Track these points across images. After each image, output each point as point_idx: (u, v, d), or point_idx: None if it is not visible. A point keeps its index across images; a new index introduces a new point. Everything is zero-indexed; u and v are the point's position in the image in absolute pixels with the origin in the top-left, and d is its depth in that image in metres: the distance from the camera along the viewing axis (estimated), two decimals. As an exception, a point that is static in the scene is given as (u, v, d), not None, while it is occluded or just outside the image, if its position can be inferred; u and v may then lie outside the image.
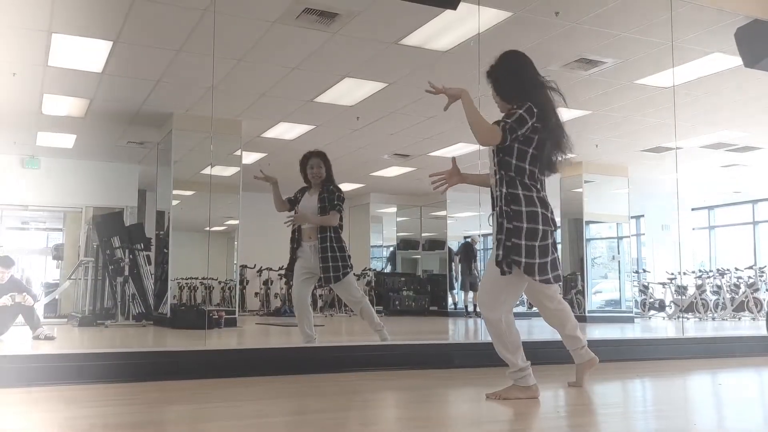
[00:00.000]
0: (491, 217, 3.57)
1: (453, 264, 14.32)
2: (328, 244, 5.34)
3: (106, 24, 6.56)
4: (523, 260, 3.31)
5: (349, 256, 5.46)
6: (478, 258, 13.72)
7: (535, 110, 3.35)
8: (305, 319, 5.44)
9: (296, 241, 5.50)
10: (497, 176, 3.42)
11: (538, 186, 3.44)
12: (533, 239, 3.34)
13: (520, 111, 3.34)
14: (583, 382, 3.85)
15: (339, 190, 5.49)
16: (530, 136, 3.36)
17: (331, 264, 5.33)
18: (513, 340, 3.42)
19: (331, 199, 5.41)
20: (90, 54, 7.27)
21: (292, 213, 5.53)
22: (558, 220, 14.75)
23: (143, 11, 6.25)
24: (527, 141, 3.38)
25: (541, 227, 3.36)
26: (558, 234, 15.43)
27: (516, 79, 3.49)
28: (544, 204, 3.42)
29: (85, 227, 11.79)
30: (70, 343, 6.46)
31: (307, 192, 5.56)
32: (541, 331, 7.76)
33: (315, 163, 5.51)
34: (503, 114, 3.44)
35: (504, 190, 3.37)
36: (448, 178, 3.64)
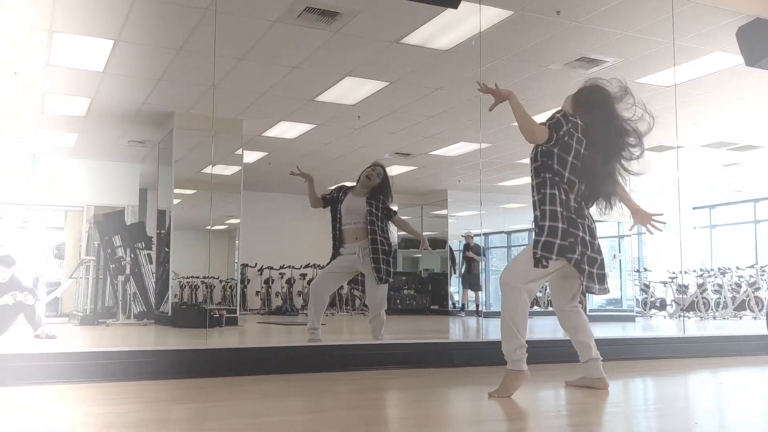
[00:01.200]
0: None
1: (456, 262, 14.35)
2: (379, 246, 5.51)
3: (107, 23, 6.56)
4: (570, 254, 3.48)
5: None
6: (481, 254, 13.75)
7: (570, 118, 3.53)
8: (320, 311, 5.57)
9: (339, 239, 5.60)
10: (534, 181, 3.58)
11: (578, 198, 3.58)
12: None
13: (558, 115, 3.54)
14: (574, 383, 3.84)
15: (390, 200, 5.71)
16: (569, 142, 3.51)
17: (383, 266, 5.49)
18: (523, 318, 3.51)
19: (386, 206, 5.67)
20: (91, 53, 7.27)
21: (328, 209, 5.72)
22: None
23: (144, 10, 6.24)
24: (566, 147, 3.51)
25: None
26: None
27: (591, 110, 3.66)
28: (581, 214, 3.59)
29: (87, 226, 11.81)
30: (71, 342, 6.46)
31: (351, 192, 5.65)
32: (541, 330, 7.76)
33: (378, 173, 5.75)
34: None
35: (545, 191, 3.54)
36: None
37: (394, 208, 5.80)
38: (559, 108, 3.61)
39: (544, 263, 3.47)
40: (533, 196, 3.60)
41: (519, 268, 3.59)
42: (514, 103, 3.50)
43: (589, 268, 3.52)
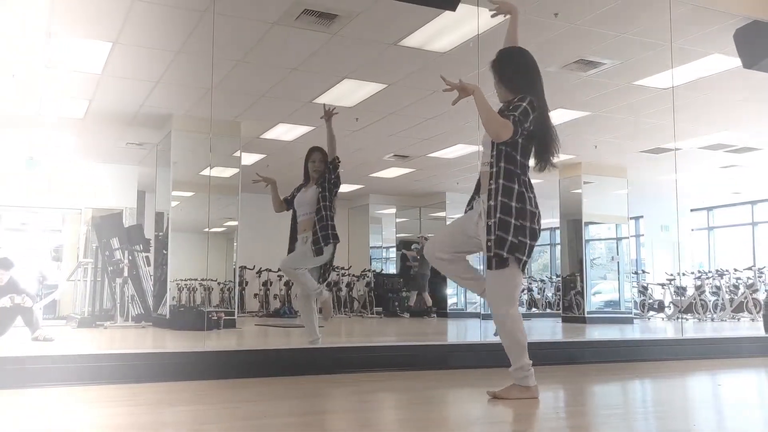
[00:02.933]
0: (476, 202, 3.60)
1: None
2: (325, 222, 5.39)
3: (105, 26, 6.56)
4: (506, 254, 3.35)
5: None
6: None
7: (535, 104, 3.43)
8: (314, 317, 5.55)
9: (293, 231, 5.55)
10: (494, 169, 3.45)
11: (530, 185, 3.49)
12: (519, 235, 3.37)
13: (524, 104, 3.40)
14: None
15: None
16: (531, 129, 3.43)
17: (320, 233, 5.35)
18: (523, 336, 3.45)
19: (330, 186, 5.44)
20: (89, 55, 7.27)
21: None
22: (557, 221, 14.86)
23: (142, 13, 6.25)
24: (528, 136, 3.44)
25: (528, 225, 3.40)
26: (557, 235, 15.46)
27: (525, 74, 3.55)
28: (534, 203, 3.46)
29: (85, 228, 11.79)
30: (69, 345, 6.45)
31: (303, 187, 5.58)
32: (541, 331, 7.77)
33: (317, 158, 5.56)
34: (502, 104, 3.52)
35: (501, 182, 3.40)
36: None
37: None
38: (523, 96, 3.44)
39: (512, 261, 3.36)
40: (489, 185, 3.45)
41: (501, 294, 3.47)
42: (478, 98, 3.41)
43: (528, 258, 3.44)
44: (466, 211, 3.73)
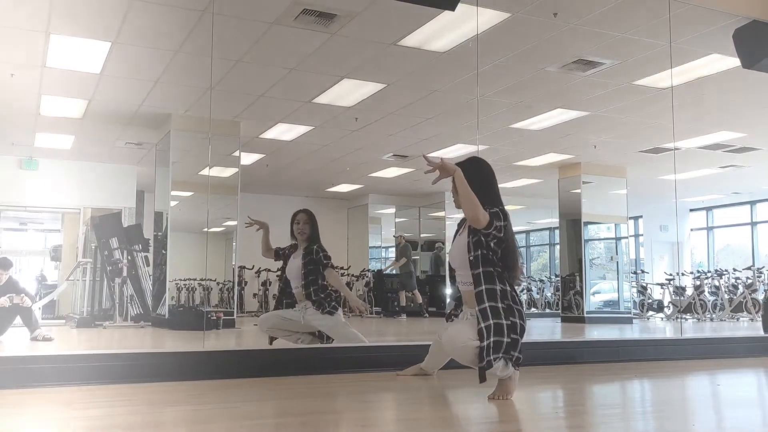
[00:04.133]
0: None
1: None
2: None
3: (104, 25, 6.55)
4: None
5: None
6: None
7: (506, 214, 3.54)
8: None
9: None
10: (473, 272, 3.53)
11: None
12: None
13: (497, 208, 3.50)
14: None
15: (323, 249, 5.32)
16: (498, 236, 3.50)
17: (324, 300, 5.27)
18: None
19: (318, 260, 5.27)
20: (88, 55, 7.26)
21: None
22: (556, 220, 14.86)
23: (141, 12, 6.24)
24: (498, 242, 3.51)
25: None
26: (556, 234, 15.46)
27: (488, 186, 3.62)
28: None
29: (83, 228, 11.79)
30: (68, 345, 6.45)
31: (294, 252, 5.44)
32: (540, 331, 7.77)
33: (301, 219, 5.40)
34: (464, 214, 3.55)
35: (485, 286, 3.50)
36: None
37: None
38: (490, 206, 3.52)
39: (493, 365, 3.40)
40: (474, 288, 3.51)
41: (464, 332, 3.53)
42: (458, 180, 3.45)
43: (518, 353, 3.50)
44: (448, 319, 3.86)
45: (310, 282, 5.26)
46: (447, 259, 3.80)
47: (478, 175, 3.61)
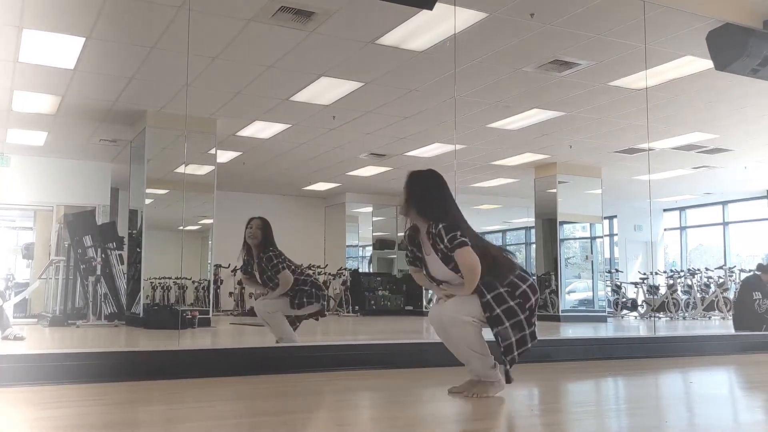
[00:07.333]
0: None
1: None
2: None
3: (78, 20, 6.47)
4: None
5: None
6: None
7: (456, 227, 3.41)
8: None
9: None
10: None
11: None
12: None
13: (458, 232, 3.38)
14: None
15: (274, 251, 5.38)
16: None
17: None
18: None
19: (271, 266, 5.35)
20: (62, 50, 7.17)
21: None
22: (532, 220, 14.95)
23: (116, 7, 6.17)
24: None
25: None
26: (532, 234, 15.57)
27: (439, 197, 3.53)
28: None
29: (56, 226, 11.63)
30: (40, 344, 6.36)
31: (252, 260, 5.54)
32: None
33: (254, 224, 5.45)
34: (423, 228, 3.49)
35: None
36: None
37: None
38: (447, 225, 3.41)
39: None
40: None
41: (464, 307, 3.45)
42: (467, 291, 3.40)
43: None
44: None
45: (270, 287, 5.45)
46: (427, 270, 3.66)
47: (423, 191, 3.53)
